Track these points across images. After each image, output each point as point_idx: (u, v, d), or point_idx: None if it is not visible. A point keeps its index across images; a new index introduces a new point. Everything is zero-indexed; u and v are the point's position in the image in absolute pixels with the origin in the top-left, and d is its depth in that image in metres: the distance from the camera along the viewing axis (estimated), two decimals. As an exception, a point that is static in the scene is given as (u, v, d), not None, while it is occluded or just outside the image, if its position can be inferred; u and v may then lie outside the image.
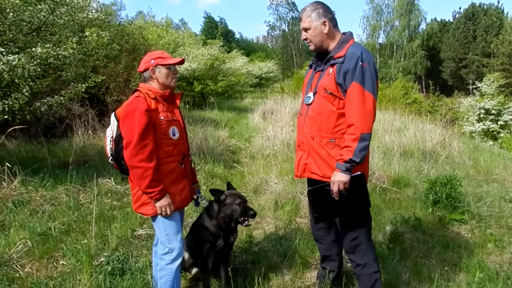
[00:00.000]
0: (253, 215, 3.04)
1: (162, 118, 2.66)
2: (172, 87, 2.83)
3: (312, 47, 2.78)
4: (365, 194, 2.73)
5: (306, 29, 2.73)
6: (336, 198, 2.59)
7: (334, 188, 2.56)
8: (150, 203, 2.68)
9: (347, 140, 2.54)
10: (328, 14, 2.69)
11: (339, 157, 2.56)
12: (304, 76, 3.10)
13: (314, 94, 2.76)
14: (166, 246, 2.74)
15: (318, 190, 2.69)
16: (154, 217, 2.76)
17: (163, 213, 2.66)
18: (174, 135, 2.73)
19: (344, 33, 2.77)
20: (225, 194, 3.11)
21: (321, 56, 2.81)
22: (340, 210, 2.72)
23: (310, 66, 2.98)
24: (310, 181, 2.90)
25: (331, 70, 2.65)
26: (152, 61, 2.72)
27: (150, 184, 2.55)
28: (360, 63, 2.53)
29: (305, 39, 2.79)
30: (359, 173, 2.60)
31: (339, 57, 2.62)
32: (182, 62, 2.88)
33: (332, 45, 2.73)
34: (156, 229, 2.81)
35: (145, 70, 2.75)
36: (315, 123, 2.71)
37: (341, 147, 2.59)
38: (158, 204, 2.63)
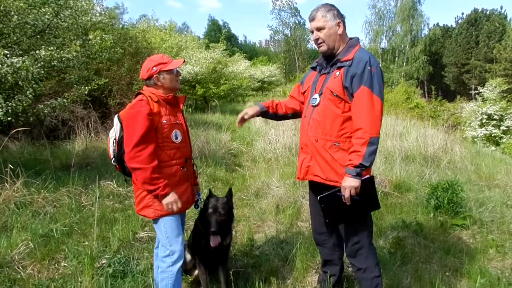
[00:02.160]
0: (212, 232, 2.95)
1: (164, 121, 2.68)
2: (177, 88, 2.85)
3: (324, 48, 2.74)
4: (375, 196, 2.75)
5: (319, 29, 2.71)
6: (348, 203, 2.59)
7: (346, 193, 2.56)
8: (153, 205, 2.69)
9: (356, 145, 2.55)
10: (341, 17, 2.72)
11: (348, 162, 2.56)
12: (305, 77, 3.08)
13: (320, 95, 2.76)
14: (167, 249, 2.75)
15: (329, 196, 2.68)
16: (155, 220, 2.76)
17: (170, 209, 2.66)
18: (176, 138, 2.74)
19: (351, 38, 2.79)
20: (209, 200, 3.09)
21: (327, 59, 2.82)
22: (351, 214, 2.72)
23: (314, 68, 2.98)
24: (312, 184, 2.91)
25: (337, 73, 2.66)
26: (154, 68, 2.72)
27: (152, 182, 2.56)
28: (369, 68, 2.54)
29: (317, 39, 2.75)
30: (368, 176, 2.61)
31: (346, 60, 2.63)
32: (182, 62, 2.92)
33: (341, 48, 2.74)
34: (158, 232, 2.82)
35: (148, 77, 2.75)
36: (319, 126, 2.71)
37: (349, 152, 2.59)
38: (164, 201, 2.63)
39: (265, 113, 3.10)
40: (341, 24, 2.70)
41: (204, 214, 3.06)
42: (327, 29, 2.69)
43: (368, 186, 2.63)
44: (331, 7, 2.72)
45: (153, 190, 2.59)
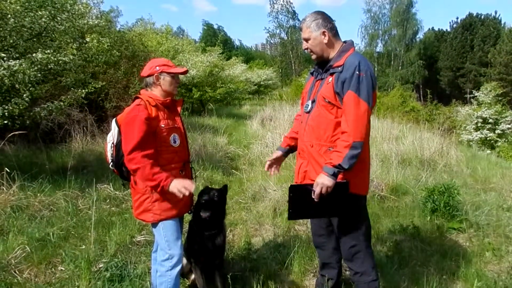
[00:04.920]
0: (203, 201, 3.00)
1: (162, 125, 2.69)
2: (173, 94, 2.86)
3: (313, 57, 2.81)
4: (344, 204, 2.68)
5: (306, 39, 2.76)
6: (316, 200, 2.55)
7: (317, 190, 2.52)
8: (152, 209, 2.69)
9: (339, 146, 2.55)
10: (328, 24, 2.71)
11: (328, 160, 2.56)
12: (305, 82, 3.12)
13: (312, 102, 2.79)
14: (166, 253, 2.75)
15: (300, 187, 2.69)
16: (154, 224, 2.76)
17: (186, 191, 2.57)
18: (175, 142, 2.75)
19: (345, 42, 2.80)
20: (204, 189, 3.18)
21: (322, 65, 2.84)
22: (316, 213, 2.72)
23: (312, 74, 3.00)
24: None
25: (330, 79, 2.68)
26: (157, 67, 2.74)
27: (153, 177, 2.53)
28: (357, 72, 2.55)
29: (306, 49, 2.82)
30: (344, 180, 2.59)
31: (338, 66, 2.64)
32: (185, 72, 2.92)
33: (332, 54, 2.75)
34: (157, 236, 2.82)
35: (149, 75, 2.76)
36: (314, 132, 2.74)
37: (331, 152, 2.61)
38: (173, 189, 2.56)
39: (290, 149, 3.15)
40: (327, 33, 2.70)
41: (197, 207, 3.07)
42: (312, 39, 2.73)
43: (341, 191, 2.59)
44: (316, 16, 2.73)
45: (156, 185, 2.56)
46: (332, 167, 2.51)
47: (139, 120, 2.57)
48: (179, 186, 2.57)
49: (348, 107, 2.55)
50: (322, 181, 2.52)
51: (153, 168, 2.55)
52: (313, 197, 2.55)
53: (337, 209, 2.69)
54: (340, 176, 2.55)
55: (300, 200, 2.67)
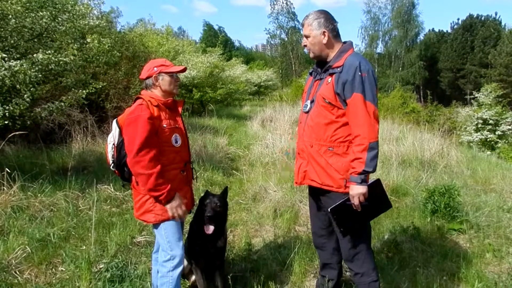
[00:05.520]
0: (207, 218, 2.98)
1: (164, 125, 2.68)
2: (174, 93, 2.85)
3: (311, 55, 2.81)
4: (385, 197, 2.81)
5: (306, 36, 2.77)
6: (359, 210, 2.62)
7: (355, 201, 2.59)
8: (153, 210, 2.68)
9: (356, 152, 2.57)
10: (329, 25, 2.71)
11: (352, 170, 2.59)
12: (305, 83, 3.13)
13: (311, 103, 2.79)
14: (168, 253, 2.75)
15: (340, 207, 2.69)
16: (155, 225, 2.76)
17: (175, 214, 2.66)
18: (176, 142, 2.75)
19: (344, 42, 2.80)
20: (205, 195, 3.16)
21: (321, 65, 2.84)
22: (364, 218, 2.77)
23: (310, 74, 3.01)
24: (311, 188, 2.92)
25: (329, 79, 2.68)
26: (155, 68, 2.74)
27: (156, 188, 2.55)
28: (359, 73, 2.55)
29: (305, 46, 2.82)
30: (373, 180, 2.66)
31: (337, 67, 2.64)
32: (184, 70, 2.91)
33: (331, 54, 2.75)
34: (158, 236, 2.82)
35: (147, 77, 2.76)
36: (313, 132, 2.74)
37: (351, 160, 2.61)
38: (169, 206, 2.63)
39: None
40: (327, 33, 2.69)
41: (199, 211, 3.06)
42: (311, 37, 2.73)
43: (375, 189, 2.66)
44: (320, 15, 2.73)
45: (158, 196, 2.59)
46: (357, 176, 2.56)
47: (142, 120, 2.56)
48: (175, 205, 2.66)
49: (356, 110, 2.56)
50: (356, 191, 2.58)
51: (157, 179, 2.54)
52: (354, 209, 2.62)
53: (382, 204, 2.81)
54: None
55: (345, 217, 2.72)
